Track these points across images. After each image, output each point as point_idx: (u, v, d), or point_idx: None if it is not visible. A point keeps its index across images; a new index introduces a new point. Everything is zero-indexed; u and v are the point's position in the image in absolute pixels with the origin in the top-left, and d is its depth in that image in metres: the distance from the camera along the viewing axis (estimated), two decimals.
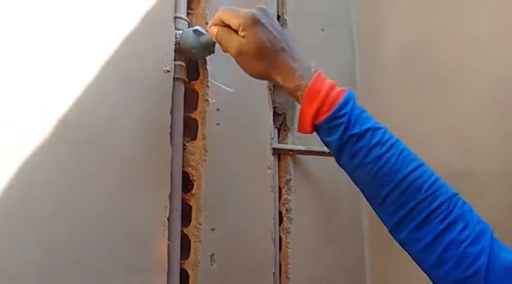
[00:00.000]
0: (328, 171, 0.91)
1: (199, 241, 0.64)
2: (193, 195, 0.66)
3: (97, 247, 0.52)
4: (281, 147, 0.83)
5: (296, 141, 0.87)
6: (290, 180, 0.84)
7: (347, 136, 0.51)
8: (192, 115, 0.69)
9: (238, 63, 0.57)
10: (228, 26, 0.58)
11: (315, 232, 0.86)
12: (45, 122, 0.49)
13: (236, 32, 0.57)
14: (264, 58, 0.55)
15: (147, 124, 0.60)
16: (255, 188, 0.75)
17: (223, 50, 0.59)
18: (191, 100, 0.70)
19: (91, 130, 0.53)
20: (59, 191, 0.50)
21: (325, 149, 0.86)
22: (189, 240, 0.65)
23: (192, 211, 0.65)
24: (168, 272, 0.59)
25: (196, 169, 0.66)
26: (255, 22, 0.55)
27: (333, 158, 0.90)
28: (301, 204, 0.84)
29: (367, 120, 0.53)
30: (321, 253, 0.86)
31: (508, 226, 0.90)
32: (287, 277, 0.79)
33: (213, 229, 0.66)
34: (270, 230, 0.77)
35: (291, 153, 0.85)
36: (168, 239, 0.59)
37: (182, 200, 0.65)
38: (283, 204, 0.83)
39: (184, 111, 0.67)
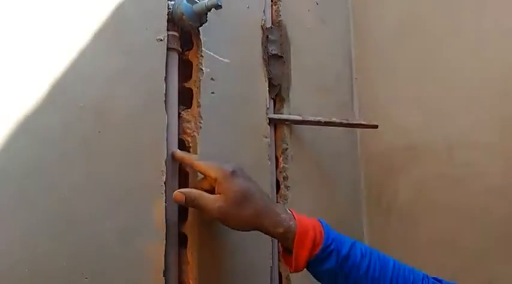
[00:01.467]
0: (324, 140, 0.93)
1: None
2: None
3: (92, 210, 0.54)
4: (277, 117, 0.85)
5: (292, 111, 0.88)
6: (286, 149, 0.85)
7: (340, 259, 0.57)
8: (187, 85, 0.70)
9: (223, 221, 0.58)
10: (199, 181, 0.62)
11: (313, 200, 0.88)
12: (38, 88, 0.51)
13: (207, 191, 0.59)
14: (250, 202, 0.57)
15: (142, 91, 0.61)
16: (252, 156, 0.77)
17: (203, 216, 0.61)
18: (186, 71, 0.71)
19: (85, 97, 0.55)
20: (50, 155, 0.51)
21: (321, 119, 0.88)
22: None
23: (189, 177, 0.67)
24: (166, 235, 0.61)
25: (192, 137, 0.68)
26: (232, 173, 0.58)
27: (329, 128, 0.92)
28: (298, 172, 0.86)
29: (343, 238, 0.59)
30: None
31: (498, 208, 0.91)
32: None
33: None
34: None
35: (286, 122, 0.86)
36: (165, 202, 0.61)
37: (179, 167, 0.66)
38: (280, 172, 0.84)
39: (179, 82, 0.69)
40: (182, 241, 0.65)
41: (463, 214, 0.94)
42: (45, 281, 0.48)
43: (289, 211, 0.60)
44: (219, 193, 0.57)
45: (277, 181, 0.84)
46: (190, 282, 0.63)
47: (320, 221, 0.60)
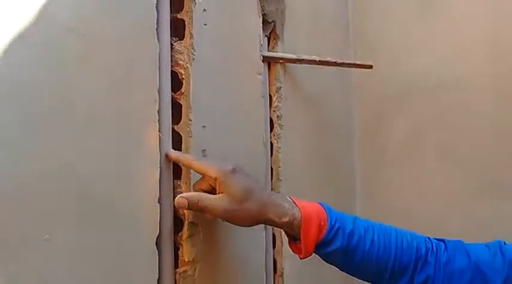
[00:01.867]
0: (319, 81, 0.92)
1: (191, 136, 0.66)
2: (182, 93, 0.67)
3: (85, 133, 0.53)
4: (271, 55, 0.83)
5: (286, 50, 0.86)
6: (280, 88, 0.85)
7: (346, 236, 0.57)
8: (179, 16, 0.69)
9: (229, 220, 0.58)
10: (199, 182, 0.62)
11: (306, 139, 0.89)
12: (25, 10, 0.49)
13: (206, 192, 0.59)
14: (253, 198, 0.56)
15: (133, 18, 0.59)
16: (246, 92, 0.76)
17: (207, 216, 0.60)
18: (177, 2, 0.69)
19: (74, 20, 0.53)
20: (40, 76, 0.50)
21: (316, 58, 0.87)
22: (181, 137, 0.66)
23: (182, 108, 0.67)
24: (160, 164, 0.61)
25: (185, 68, 0.67)
26: (232, 171, 0.57)
27: (322, 68, 0.91)
28: (292, 111, 0.86)
29: (344, 215, 0.60)
30: (311, 159, 0.89)
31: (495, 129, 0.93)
32: (278, 179, 0.82)
33: (204, 126, 0.68)
34: (260, 133, 0.78)
35: (281, 61, 0.85)
36: (159, 131, 0.61)
37: (172, 99, 0.66)
38: (273, 111, 0.84)
39: (171, 13, 0.67)
40: (176, 171, 0.65)
41: (456, 156, 0.96)
42: (33, 199, 0.48)
43: (289, 199, 0.60)
44: (221, 193, 0.57)
45: (271, 120, 0.84)
46: (185, 212, 0.64)
47: (320, 204, 0.61)
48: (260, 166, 0.78)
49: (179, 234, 0.64)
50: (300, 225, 0.57)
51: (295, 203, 0.59)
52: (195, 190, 0.62)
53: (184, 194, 0.59)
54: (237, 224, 0.59)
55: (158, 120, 0.61)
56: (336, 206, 0.96)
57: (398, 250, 0.58)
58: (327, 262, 0.61)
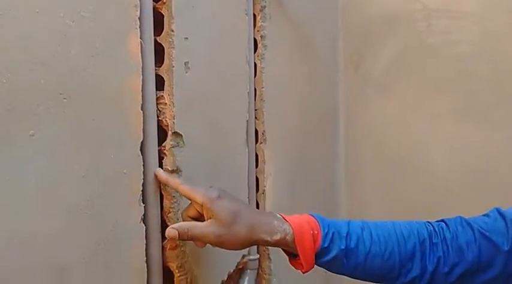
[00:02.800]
0: (304, 1, 0.91)
1: (173, 48, 0.65)
2: (164, 3, 0.66)
3: (67, 36, 0.53)
4: None
5: None
6: (265, 7, 0.84)
7: (344, 240, 0.56)
8: None
9: (220, 246, 0.57)
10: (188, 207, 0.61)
11: (290, 61, 0.89)
12: None
13: (195, 218, 0.60)
14: (241, 220, 0.56)
15: None
16: (229, 7, 0.75)
17: (197, 244, 0.59)
18: None
19: None
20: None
21: None
22: (163, 48, 0.66)
23: (165, 19, 0.66)
24: (143, 75, 0.61)
25: None
26: (218, 197, 0.57)
27: None
28: (277, 32, 0.85)
29: (337, 220, 0.59)
30: (294, 80, 0.90)
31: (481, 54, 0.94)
32: (262, 99, 0.83)
33: (187, 38, 0.67)
34: (244, 52, 0.78)
35: None
36: (141, 38, 0.61)
37: (154, 10, 0.65)
38: (257, 31, 0.83)
39: None
40: (159, 84, 0.65)
41: (439, 82, 0.97)
42: (18, 95, 0.48)
43: (279, 216, 0.59)
44: (209, 218, 0.57)
45: (255, 41, 0.83)
46: (168, 122, 0.66)
47: (310, 214, 0.60)
48: (243, 86, 0.78)
49: (163, 144, 0.66)
50: (294, 239, 0.56)
51: (284, 218, 0.58)
52: (183, 219, 0.63)
53: (174, 225, 0.59)
54: (229, 249, 0.58)
55: (139, 28, 0.61)
56: (317, 127, 0.98)
57: (400, 239, 0.58)
58: (334, 272, 0.60)
